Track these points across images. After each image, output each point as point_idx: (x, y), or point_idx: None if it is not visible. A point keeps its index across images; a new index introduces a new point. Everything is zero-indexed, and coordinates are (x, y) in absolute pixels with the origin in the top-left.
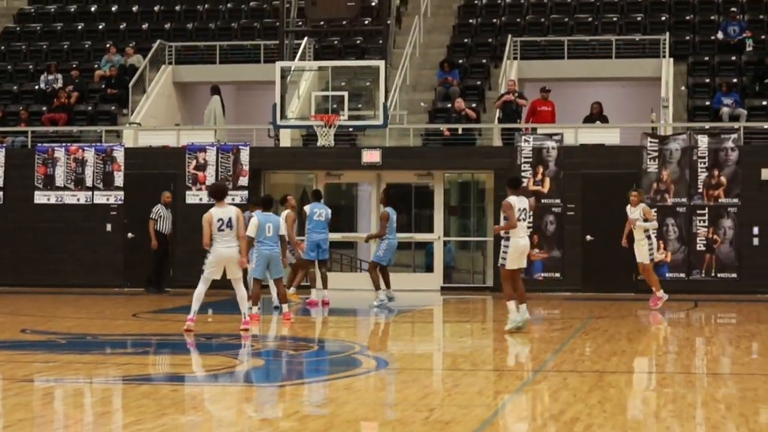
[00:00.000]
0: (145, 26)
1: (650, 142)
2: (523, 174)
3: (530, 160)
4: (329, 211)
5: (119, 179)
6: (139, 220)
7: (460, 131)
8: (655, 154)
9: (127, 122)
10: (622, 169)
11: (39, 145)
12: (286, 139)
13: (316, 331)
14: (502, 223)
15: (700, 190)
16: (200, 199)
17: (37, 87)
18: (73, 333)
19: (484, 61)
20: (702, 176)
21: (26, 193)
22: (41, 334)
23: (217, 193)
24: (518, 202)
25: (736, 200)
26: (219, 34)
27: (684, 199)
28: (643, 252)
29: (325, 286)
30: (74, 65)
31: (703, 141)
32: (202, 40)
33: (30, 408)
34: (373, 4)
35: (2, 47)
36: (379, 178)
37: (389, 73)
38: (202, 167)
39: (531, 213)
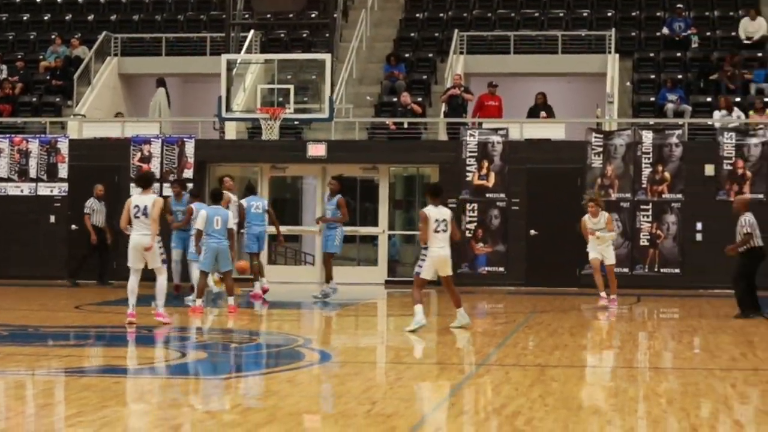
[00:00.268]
0: (90, 17)
1: (595, 137)
2: (468, 168)
3: (475, 154)
4: (266, 202)
5: (63, 171)
6: (84, 213)
7: (405, 125)
8: (600, 149)
9: (72, 114)
10: (566, 164)
11: None
12: (232, 131)
13: (260, 323)
14: None
15: (644, 186)
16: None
17: None
18: (15, 325)
19: (430, 55)
20: (646, 172)
21: None
22: None
23: (142, 181)
24: (436, 213)
25: (679, 196)
26: (165, 26)
27: (628, 195)
28: (610, 253)
29: (262, 274)
30: (19, 56)
31: (647, 137)
32: (148, 32)
33: None
34: None
35: None
36: (324, 172)
37: (335, 66)
38: (146, 159)
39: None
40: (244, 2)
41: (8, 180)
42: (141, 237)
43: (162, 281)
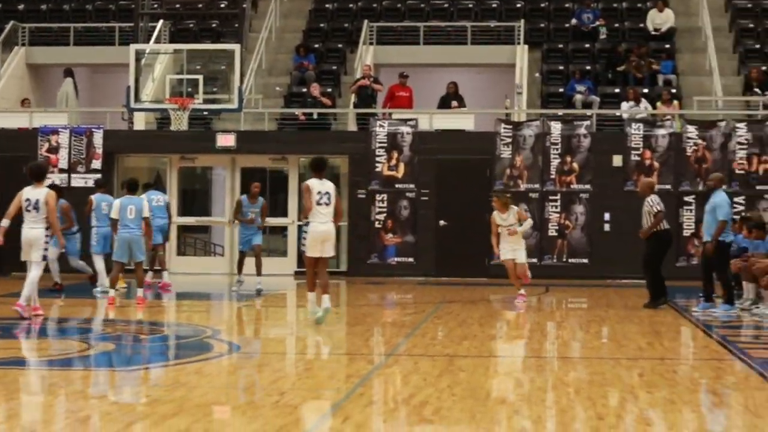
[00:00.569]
0: None
1: (504, 128)
2: (377, 159)
3: (385, 145)
4: (166, 196)
5: None
6: None
7: (315, 116)
8: (509, 140)
9: None
10: (475, 155)
11: None
12: (141, 122)
13: (169, 315)
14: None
15: (552, 176)
16: (52, 182)
17: None
18: None
19: (340, 46)
20: (555, 162)
21: None
22: None
23: (33, 173)
24: (319, 185)
25: (588, 186)
26: (73, 15)
27: (537, 185)
28: (522, 253)
29: (164, 268)
30: None
31: (556, 127)
32: (56, 21)
33: None
34: None
35: None
36: (234, 162)
37: (245, 57)
38: (54, 150)
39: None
40: None
41: None
42: (30, 230)
43: (34, 275)
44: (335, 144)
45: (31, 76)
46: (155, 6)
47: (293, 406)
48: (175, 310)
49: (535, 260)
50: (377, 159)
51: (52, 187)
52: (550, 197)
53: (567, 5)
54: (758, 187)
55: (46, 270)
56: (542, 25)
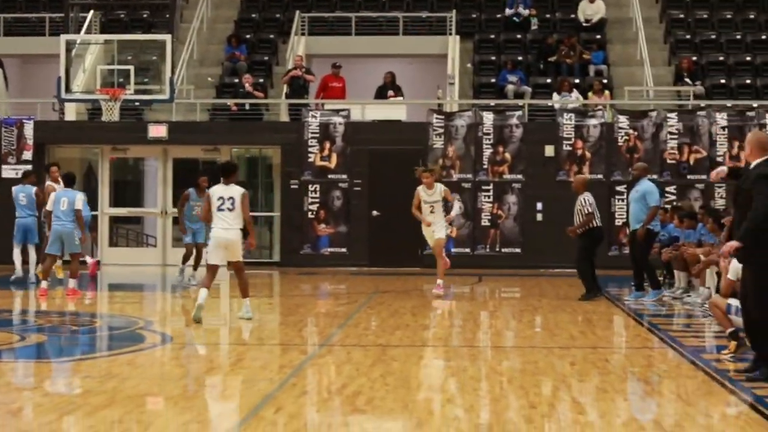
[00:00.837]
0: None
1: (436, 118)
2: (310, 149)
3: (317, 135)
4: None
5: None
6: None
7: (247, 107)
8: (441, 130)
9: None
10: (408, 145)
11: None
12: (72, 113)
13: (102, 306)
14: None
15: (485, 166)
16: None
17: None
18: None
19: (271, 36)
20: (487, 152)
21: None
22: None
23: None
24: (222, 191)
25: (520, 176)
26: (3, 6)
27: (469, 175)
28: (441, 229)
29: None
30: None
31: (488, 118)
32: None
33: None
34: None
35: None
36: (166, 153)
37: (176, 47)
38: None
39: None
40: None
41: None
42: None
43: None
44: (267, 134)
45: None
46: None
47: (226, 397)
48: (108, 302)
49: (468, 250)
50: (310, 149)
51: None
52: (483, 187)
53: None
54: (689, 177)
55: None
56: (474, 15)
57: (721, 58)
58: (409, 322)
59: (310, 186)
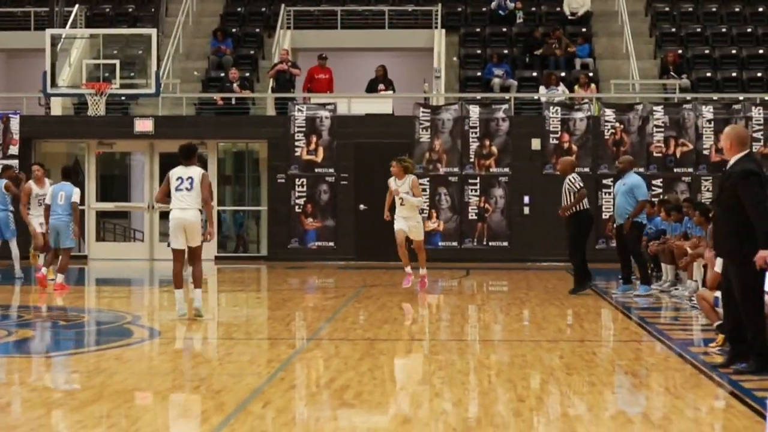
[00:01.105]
0: None
1: (423, 112)
2: (296, 143)
3: (304, 129)
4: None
5: None
6: None
7: (233, 101)
8: (428, 124)
9: None
10: (395, 139)
11: None
12: (58, 107)
13: (89, 301)
14: None
15: (471, 160)
16: None
17: None
18: None
19: (257, 30)
20: (473, 146)
21: None
22: None
23: None
24: (180, 172)
25: (507, 170)
26: None
27: (456, 169)
28: (419, 230)
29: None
30: None
31: (474, 111)
32: None
33: None
34: None
35: None
36: (152, 148)
37: (162, 41)
38: None
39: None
40: None
41: None
42: None
43: None
44: (254, 128)
45: None
46: None
47: (214, 391)
48: (96, 296)
49: (455, 243)
50: (296, 143)
51: None
52: (470, 181)
53: None
54: (676, 170)
55: None
56: (459, 9)
57: (707, 51)
58: (397, 315)
59: (297, 180)
